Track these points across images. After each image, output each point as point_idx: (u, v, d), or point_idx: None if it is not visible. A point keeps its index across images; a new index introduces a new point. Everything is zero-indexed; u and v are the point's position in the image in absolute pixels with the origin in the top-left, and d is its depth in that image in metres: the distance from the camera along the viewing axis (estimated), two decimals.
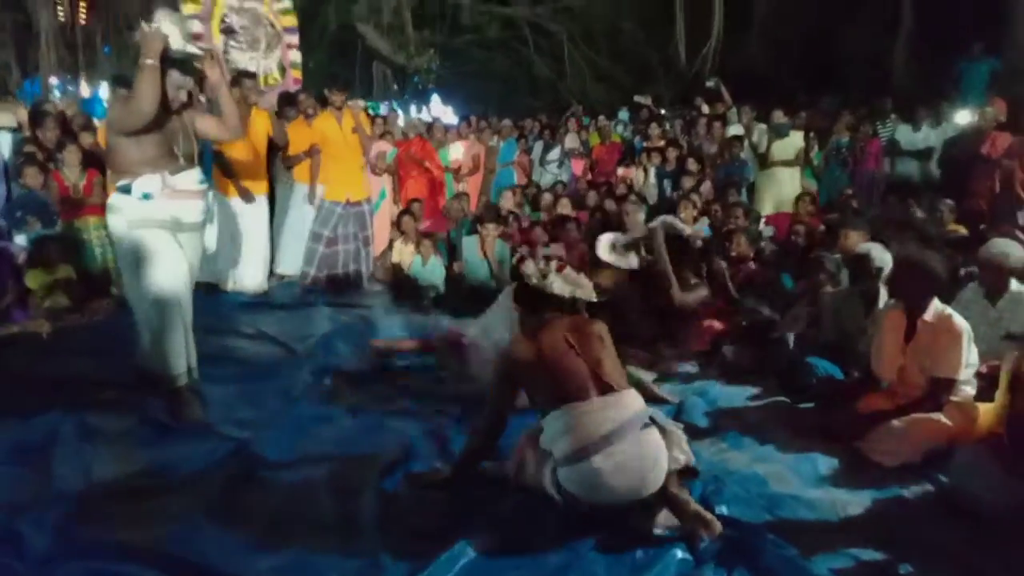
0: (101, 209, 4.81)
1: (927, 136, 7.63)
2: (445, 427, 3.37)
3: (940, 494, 2.88)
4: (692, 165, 7.48)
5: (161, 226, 3.29)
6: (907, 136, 7.64)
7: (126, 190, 3.24)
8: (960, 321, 3.24)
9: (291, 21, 7.33)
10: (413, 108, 18.15)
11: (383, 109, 16.27)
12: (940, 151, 7.35)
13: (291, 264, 6.04)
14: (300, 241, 5.97)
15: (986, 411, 3.01)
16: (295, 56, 7.37)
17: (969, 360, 3.23)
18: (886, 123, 7.78)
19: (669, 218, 4.93)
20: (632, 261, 4.70)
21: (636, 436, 2.45)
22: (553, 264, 2.96)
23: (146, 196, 3.22)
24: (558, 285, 2.75)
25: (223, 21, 6.79)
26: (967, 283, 3.97)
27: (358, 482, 2.78)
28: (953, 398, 3.22)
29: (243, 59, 6.84)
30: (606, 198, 7.03)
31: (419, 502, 2.71)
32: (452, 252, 6.30)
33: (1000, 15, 9.31)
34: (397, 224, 6.42)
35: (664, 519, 2.50)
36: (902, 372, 3.36)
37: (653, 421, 2.54)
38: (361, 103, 6.61)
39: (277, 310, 5.37)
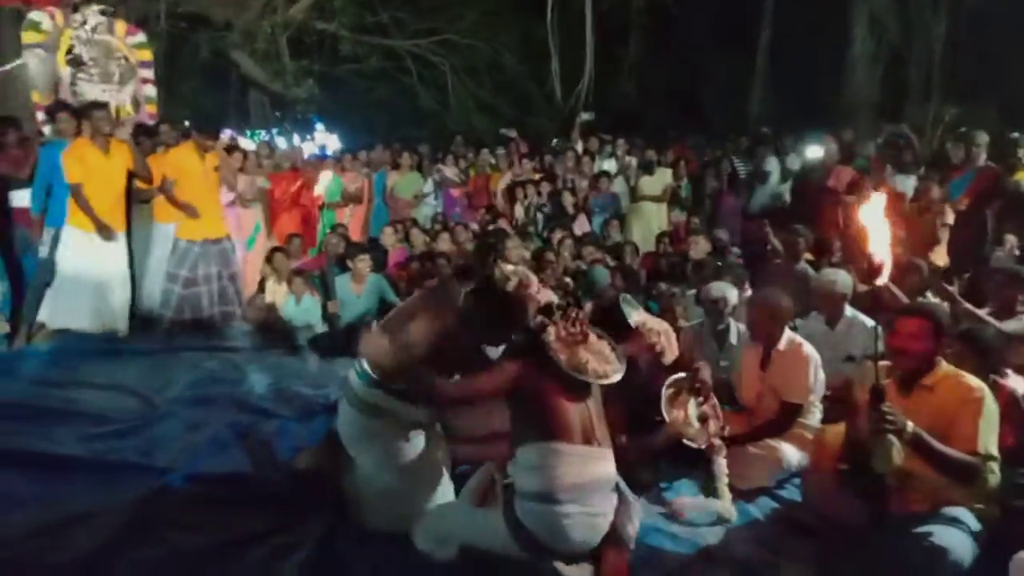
0: None
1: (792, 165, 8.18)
2: None
3: (789, 514, 3.07)
4: (567, 199, 7.68)
5: None
6: (774, 167, 8.16)
7: None
8: (809, 349, 3.48)
9: (146, 55, 7.20)
10: (296, 137, 17.70)
11: (263, 137, 15.82)
12: (791, 182, 7.93)
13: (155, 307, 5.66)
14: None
15: (835, 433, 3.16)
16: (149, 91, 7.21)
17: (817, 386, 3.46)
18: (744, 158, 8.33)
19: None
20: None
21: (605, 496, 2.44)
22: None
23: None
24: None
25: (69, 52, 6.52)
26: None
27: None
28: (802, 420, 3.45)
29: (95, 91, 6.61)
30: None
31: None
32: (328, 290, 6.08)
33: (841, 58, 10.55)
34: (269, 261, 6.16)
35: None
36: (760, 398, 3.56)
37: (617, 487, 2.53)
38: (225, 139, 6.41)
39: (136, 357, 4.96)
